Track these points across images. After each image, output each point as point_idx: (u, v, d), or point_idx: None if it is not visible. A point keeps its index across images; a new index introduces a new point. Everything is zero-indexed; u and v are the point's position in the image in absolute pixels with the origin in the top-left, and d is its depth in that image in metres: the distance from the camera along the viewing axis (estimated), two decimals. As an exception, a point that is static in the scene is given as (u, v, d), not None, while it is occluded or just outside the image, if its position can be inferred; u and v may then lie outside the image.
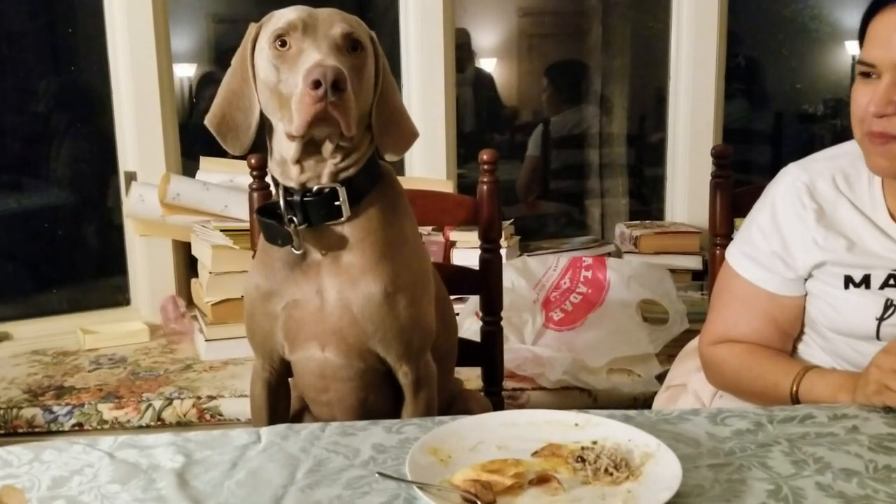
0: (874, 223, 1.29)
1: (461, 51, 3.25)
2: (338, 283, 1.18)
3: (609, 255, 2.51)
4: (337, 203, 1.17)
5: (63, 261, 2.57)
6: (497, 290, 1.67)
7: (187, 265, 2.44)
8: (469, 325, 2.00)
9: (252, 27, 1.18)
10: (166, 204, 2.25)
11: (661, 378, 1.81)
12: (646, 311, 2.15)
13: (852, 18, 3.21)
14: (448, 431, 1.02)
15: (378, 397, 1.29)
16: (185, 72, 3.01)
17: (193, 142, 2.58)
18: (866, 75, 1.22)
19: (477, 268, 1.66)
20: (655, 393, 1.68)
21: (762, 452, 1.00)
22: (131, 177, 2.36)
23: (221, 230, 2.09)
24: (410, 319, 1.21)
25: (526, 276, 2.18)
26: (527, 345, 2.03)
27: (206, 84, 2.99)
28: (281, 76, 1.11)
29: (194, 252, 2.27)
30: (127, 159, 2.38)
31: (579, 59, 3.17)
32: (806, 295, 1.36)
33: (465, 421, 1.07)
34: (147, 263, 2.41)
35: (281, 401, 1.35)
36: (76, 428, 1.83)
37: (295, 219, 1.16)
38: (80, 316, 2.38)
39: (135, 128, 2.34)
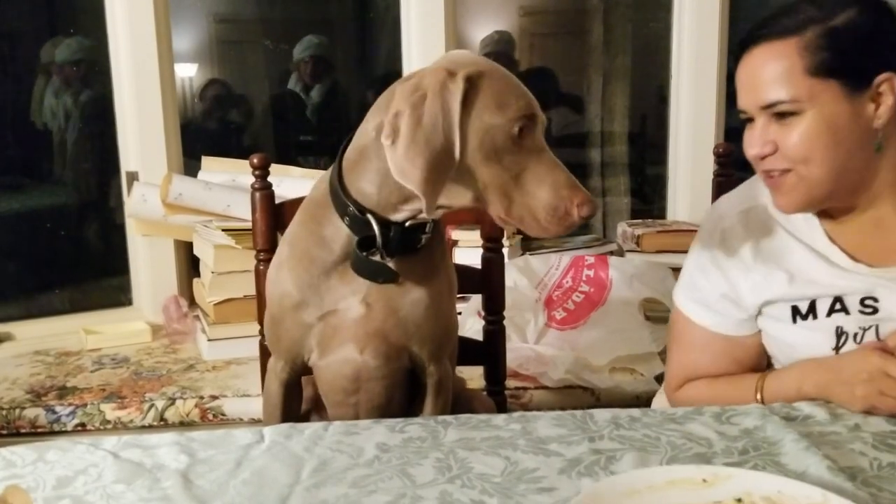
0: (812, 248, 1.26)
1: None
2: (387, 289, 1.19)
3: (611, 253, 2.50)
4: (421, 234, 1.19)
5: (65, 261, 2.57)
6: (499, 290, 1.67)
7: (189, 265, 2.44)
8: (471, 324, 1.99)
9: (452, 76, 1.04)
10: (168, 204, 2.25)
11: (659, 378, 1.81)
12: (648, 310, 2.15)
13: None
14: None
15: (402, 396, 1.31)
16: (187, 71, 3.01)
17: (195, 141, 2.57)
18: (748, 121, 1.24)
19: (479, 267, 1.66)
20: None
21: (775, 450, 1.00)
22: (133, 177, 2.36)
23: (223, 230, 2.09)
24: (445, 320, 1.26)
25: (528, 275, 2.18)
26: (529, 344, 2.03)
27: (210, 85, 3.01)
28: (511, 168, 1.08)
29: (196, 252, 2.27)
30: (129, 159, 2.38)
31: (545, 66, 3.17)
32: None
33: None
34: (149, 263, 2.41)
35: (294, 400, 1.35)
36: (79, 428, 1.83)
37: (382, 251, 1.16)
38: (83, 316, 2.38)
39: (137, 128, 2.34)
